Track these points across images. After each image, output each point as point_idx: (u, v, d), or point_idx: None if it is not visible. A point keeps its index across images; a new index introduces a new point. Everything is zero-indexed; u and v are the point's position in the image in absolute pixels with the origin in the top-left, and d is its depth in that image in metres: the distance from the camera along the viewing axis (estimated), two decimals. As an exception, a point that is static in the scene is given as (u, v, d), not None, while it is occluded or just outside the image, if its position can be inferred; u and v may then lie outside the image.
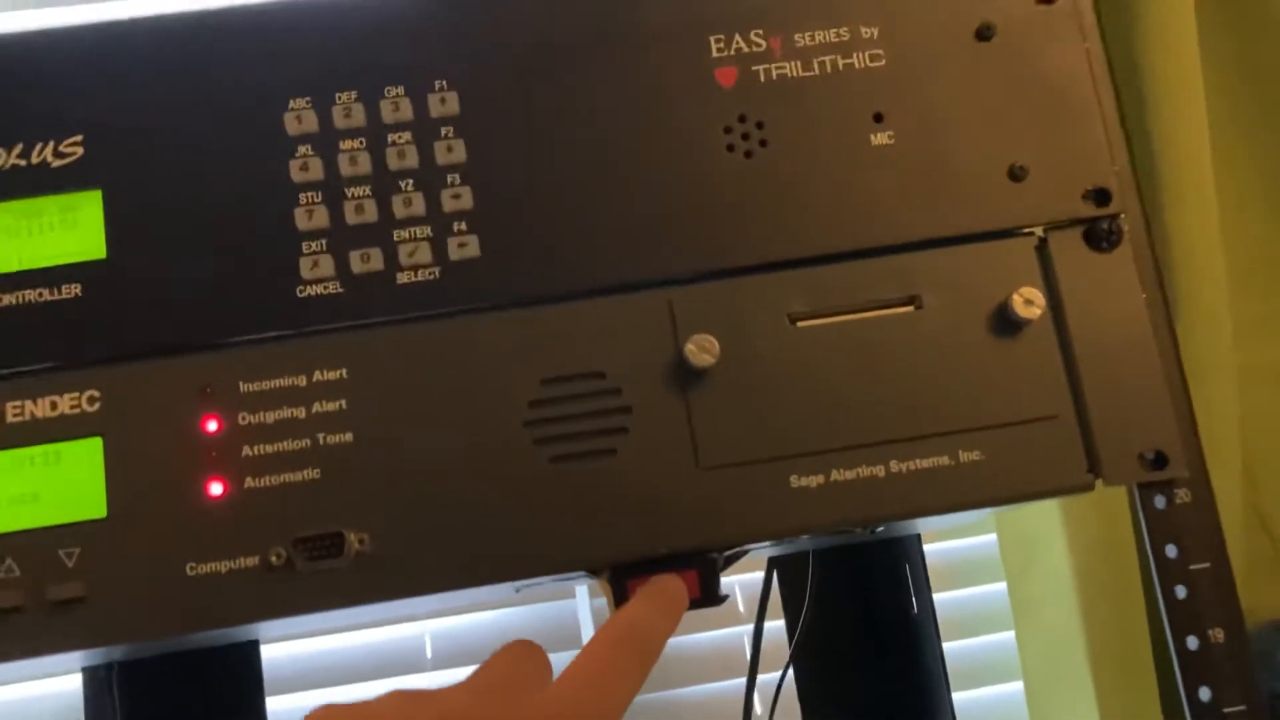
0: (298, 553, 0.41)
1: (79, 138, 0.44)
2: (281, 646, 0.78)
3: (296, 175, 0.44)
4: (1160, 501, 0.43)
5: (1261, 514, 0.86)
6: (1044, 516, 0.81)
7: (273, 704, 0.66)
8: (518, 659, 0.35)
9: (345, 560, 0.41)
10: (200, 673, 0.61)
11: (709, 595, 0.43)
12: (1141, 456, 0.43)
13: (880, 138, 0.45)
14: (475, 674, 0.34)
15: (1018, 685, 0.84)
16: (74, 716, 0.59)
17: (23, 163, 0.44)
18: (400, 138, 0.45)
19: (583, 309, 0.44)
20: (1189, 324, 0.72)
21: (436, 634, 0.81)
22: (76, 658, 0.49)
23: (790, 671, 0.67)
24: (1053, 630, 0.81)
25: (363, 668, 0.79)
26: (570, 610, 0.83)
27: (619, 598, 0.43)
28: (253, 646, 0.63)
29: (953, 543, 0.90)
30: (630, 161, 0.45)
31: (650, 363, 0.43)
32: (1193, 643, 0.42)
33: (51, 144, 0.44)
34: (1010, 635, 0.84)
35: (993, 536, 0.87)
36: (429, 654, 0.80)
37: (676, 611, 0.40)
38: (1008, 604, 0.84)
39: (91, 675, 0.58)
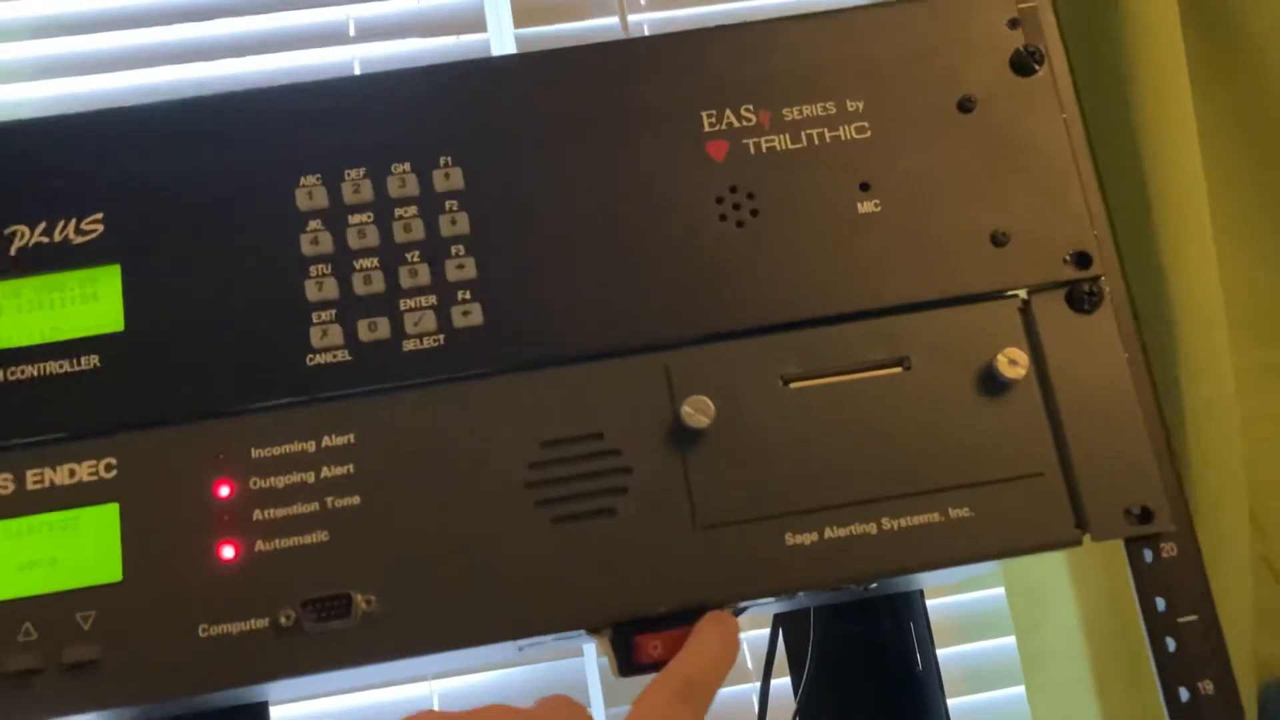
0: (306, 614, 0.42)
1: (100, 215, 0.46)
2: (291, 707, 0.79)
3: (307, 248, 0.46)
4: (1148, 555, 0.44)
5: (1271, 564, 0.86)
6: (1052, 570, 0.81)
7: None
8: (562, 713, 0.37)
9: (352, 621, 0.42)
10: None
11: (709, 652, 0.44)
12: (1128, 511, 0.44)
13: (867, 206, 0.47)
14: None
15: (1026, 738, 0.83)
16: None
17: (46, 240, 0.46)
18: (406, 211, 0.46)
19: (582, 373, 0.45)
20: (1190, 373, 0.72)
21: (444, 694, 0.81)
22: (91, 719, 0.50)
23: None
24: (1064, 685, 0.81)
25: None
26: (578, 668, 0.83)
27: (622, 655, 0.44)
28: (261, 707, 0.64)
29: (961, 596, 0.90)
30: (627, 231, 0.47)
31: (648, 424, 0.45)
32: (1184, 695, 0.42)
33: (74, 221, 0.46)
34: (1019, 690, 0.84)
35: (1000, 590, 0.87)
36: (437, 713, 0.80)
37: (730, 655, 0.41)
38: (1016, 658, 0.84)
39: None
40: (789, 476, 0.44)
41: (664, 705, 0.37)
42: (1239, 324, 0.79)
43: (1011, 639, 0.85)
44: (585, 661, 0.83)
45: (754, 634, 0.82)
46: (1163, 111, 0.71)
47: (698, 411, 0.44)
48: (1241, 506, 0.75)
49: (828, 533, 0.44)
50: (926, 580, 0.66)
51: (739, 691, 0.84)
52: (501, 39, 0.89)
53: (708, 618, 0.42)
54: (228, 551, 0.43)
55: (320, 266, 0.46)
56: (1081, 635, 0.79)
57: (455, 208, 0.46)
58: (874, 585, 0.47)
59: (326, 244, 0.46)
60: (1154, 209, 0.71)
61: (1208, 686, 0.42)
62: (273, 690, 0.53)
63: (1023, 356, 0.44)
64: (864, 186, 0.47)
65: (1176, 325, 0.70)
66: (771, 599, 0.47)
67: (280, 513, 0.43)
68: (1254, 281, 0.85)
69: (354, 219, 0.46)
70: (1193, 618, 0.43)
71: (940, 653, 0.72)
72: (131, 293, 0.45)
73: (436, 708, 0.80)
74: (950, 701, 0.71)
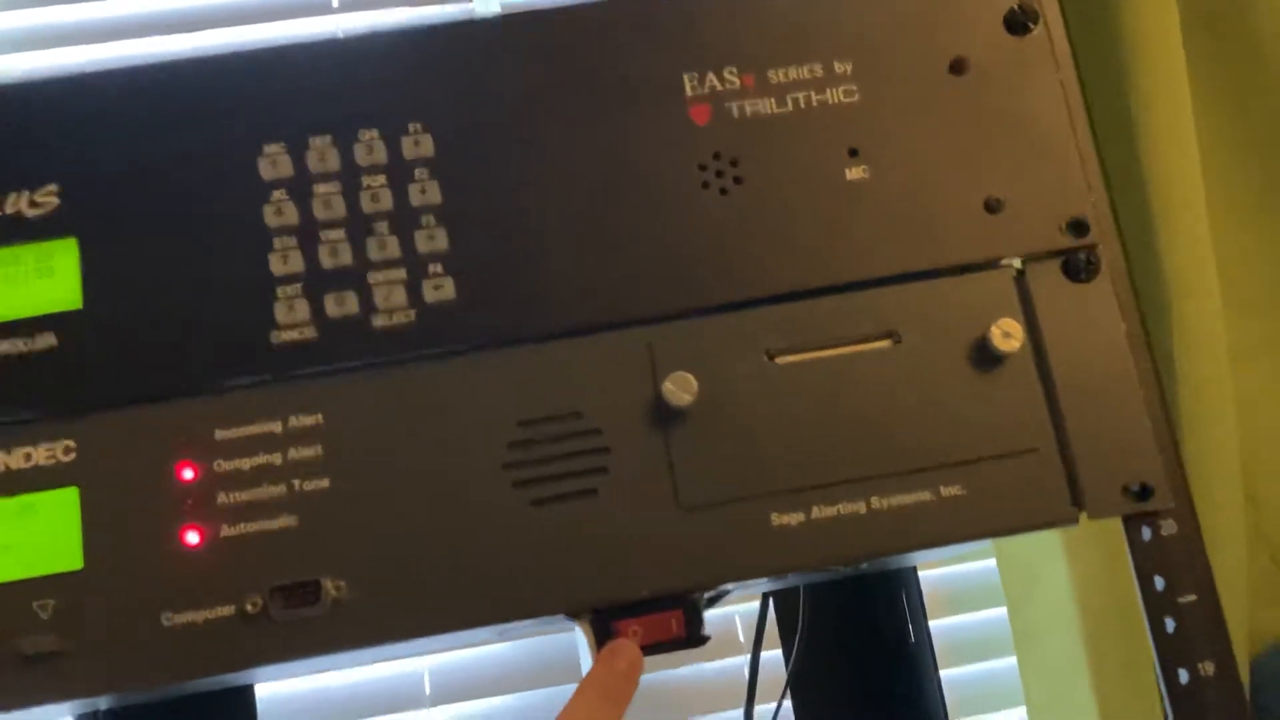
0: (274, 601, 0.41)
1: (54, 187, 0.44)
2: (277, 684, 0.77)
3: (271, 220, 0.44)
4: (1146, 533, 0.43)
5: (1264, 535, 0.85)
6: (1044, 543, 0.80)
7: (268, 745, 0.66)
8: None
9: (322, 608, 0.40)
10: (193, 715, 0.61)
11: (693, 636, 0.42)
12: (1126, 488, 0.43)
13: (855, 172, 0.45)
14: None
15: (1018, 712, 0.83)
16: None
17: (-3, 213, 0.44)
18: (374, 180, 0.45)
19: (560, 349, 0.44)
20: (1185, 347, 0.71)
21: (435, 670, 0.81)
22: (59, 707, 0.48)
23: (788, 701, 0.67)
24: (1056, 658, 0.80)
25: (361, 706, 0.79)
26: (570, 643, 0.82)
27: (602, 639, 0.42)
28: (247, 690, 0.62)
29: (952, 568, 0.89)
30: (606, 200, 0.45)
31: (629, 402, 0.43)
32: (1183, 676, 0.41)
33: (27, 194, 0.44)
34: (1010, 661, 0.84)
35: (992, 562, 0.87)
36: (427, 690, 0.80)
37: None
38: (1008, 630, 0.84)
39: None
40: (775, 455, 0.43)
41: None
42: (1233, 294, 0.78)
43: (1002, 610, 0.84)
44: (577, 636, 0.81)
45: (744, 607, 0.81)
46: (1155, 77, 0.69)
47: (680, 389, 0.42)
48: (1235, 481, 0.75)
49: (815, 513, 0.43)
50: (922, 557, 0.65)
51: (729, 665, 0.83)
52: (488, 6, 0.87)
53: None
54: (192, 537, 0.41)
55: (285, 239, 0.44)
56: (1074, 608, 0.78)
57: (426, 176, 0.45)
58: (864, 566, 0.45)
59: (291, 215, 0.44)
60: (1146, 178, 0.70)
61: (1208, 668, 0.41)
62: (247, 675, 0.51)
63: (1017, 328, 0.43)
64: (852, 152, 0.46)
65: (1169, 298, 0.69)
66: (757, 581, 0.46)
67: (246, 496, 0.42)
68: (1247, 250, 0.84)
69: (319, 189, 0.44)
70: (1192, 597, 0.41)
71: (931, 624, 0.71)
72: (89, 268, 0.43)
73: (428, 686, 0.80)
74: (941, 673, 0.70)
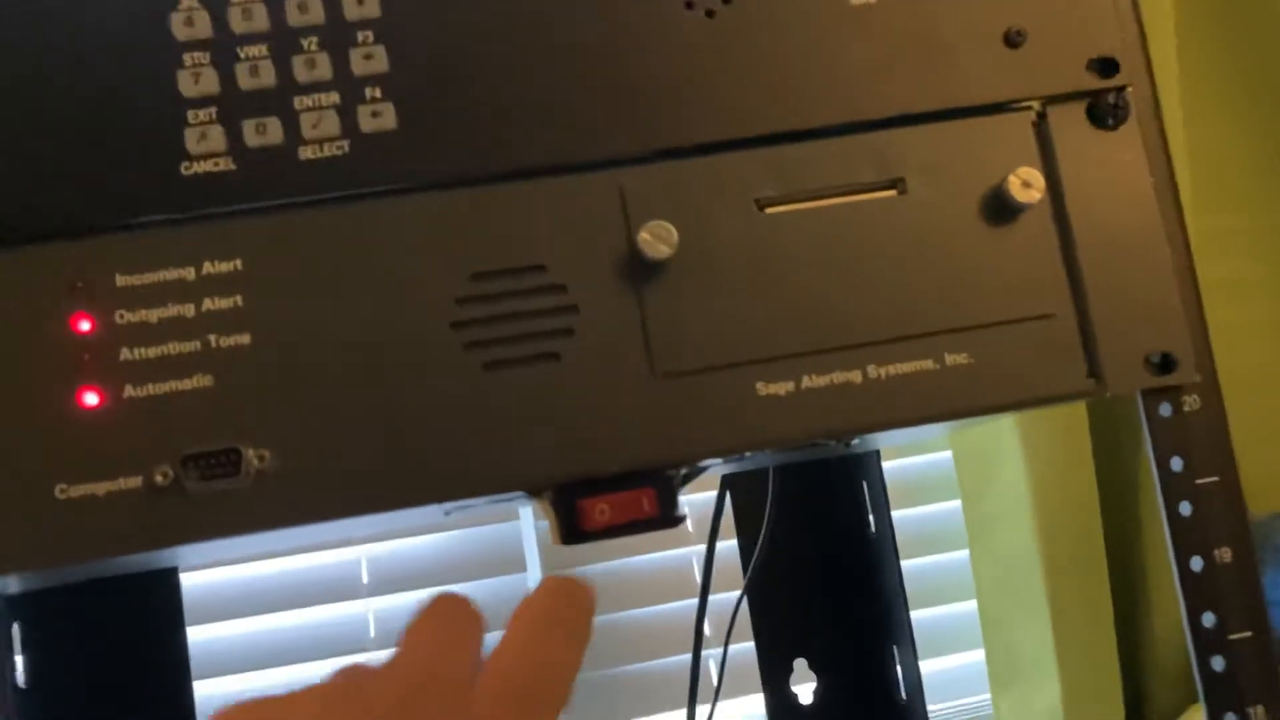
0: (187, 472, 0.35)
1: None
2: (205, 573, 0.75)
3: (180, 32, 0.38)
4: (1166, 409, 0.39)
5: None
6: (1001, 433, 0.79)
7: (196, 634, 0.62)
8: (444, 631, 0.29)
9: (243, 480, 0.36)
10: (111, 602, 0.57)
11: (666, 516, 0.39)
12: (1147, 359, 0.39)
13: (862, -4, 0.40)
14: (397, 659, 0.28)
15: (973, 604, 0.82)
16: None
17: None
18: (302, -12, 0.38)
19: (519, 192, 0.39)
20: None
21: (373, 559, 0.78)
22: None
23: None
24: (1008, 550, 0.80)
25: (294, 595, 0.76)
26: (514, 533, 0.79)
27: (565, 520, 0.38)
28: (171, 573, 0.58)
29: (908, 460, 0.88)
30: (574, 19, 0.39)
31: (598, 255, 0.39)
32: (1197, 564, 0.38)
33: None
34: (963, 554, 0.82)
35: (949, 453, 0.85)
36: (365, 579, 0.77)
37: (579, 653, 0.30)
38: (962, 522, 0.82)
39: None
40: (762, 317, 0.39)
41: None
42: (1201, 187, 0.76)
43: (959, 502, 0.82)
44: (522, 525, 0.79)
45: (699, 496, 0.77)
46: None
47: (657, 239, 0.38)
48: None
49: (805, 382, 0.38)
50: (893, 439, 0.62)
51: (680, 555, 0.81)
52: None
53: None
54: (90, 398, 0.36)
55: (196, 54, 0.38)
56: (1029, 500, 0.77)
57: (363, -16, 0.38)
58: (855, 442, 0.41)
59: (204, 27, 0.38)
60: None
61: (1225, 554, 0.38)
62: (178, 556, 0.47)
63: (1038, 177, 0.38)
64: (859, -28, 0.40)
65: None
66: (736, 457, 0.41)
67: (153, 352, 0.36)
68: (1213, 144, 0.82)
69: (237, -5, 0.38)
70: (1213, 479, 0.38)
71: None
72: (-34, 84, 0.37)
73: (365, 576, 0.76)
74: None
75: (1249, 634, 0.37)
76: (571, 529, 0.38)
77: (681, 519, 0.39)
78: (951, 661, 0.85)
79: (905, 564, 0.79)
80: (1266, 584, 0.75)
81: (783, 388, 0.38)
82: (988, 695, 0.81)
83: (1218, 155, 0.85)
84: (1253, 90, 0.87)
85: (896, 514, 0.82)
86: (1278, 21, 0.84)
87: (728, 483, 0.66)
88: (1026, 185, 0.38)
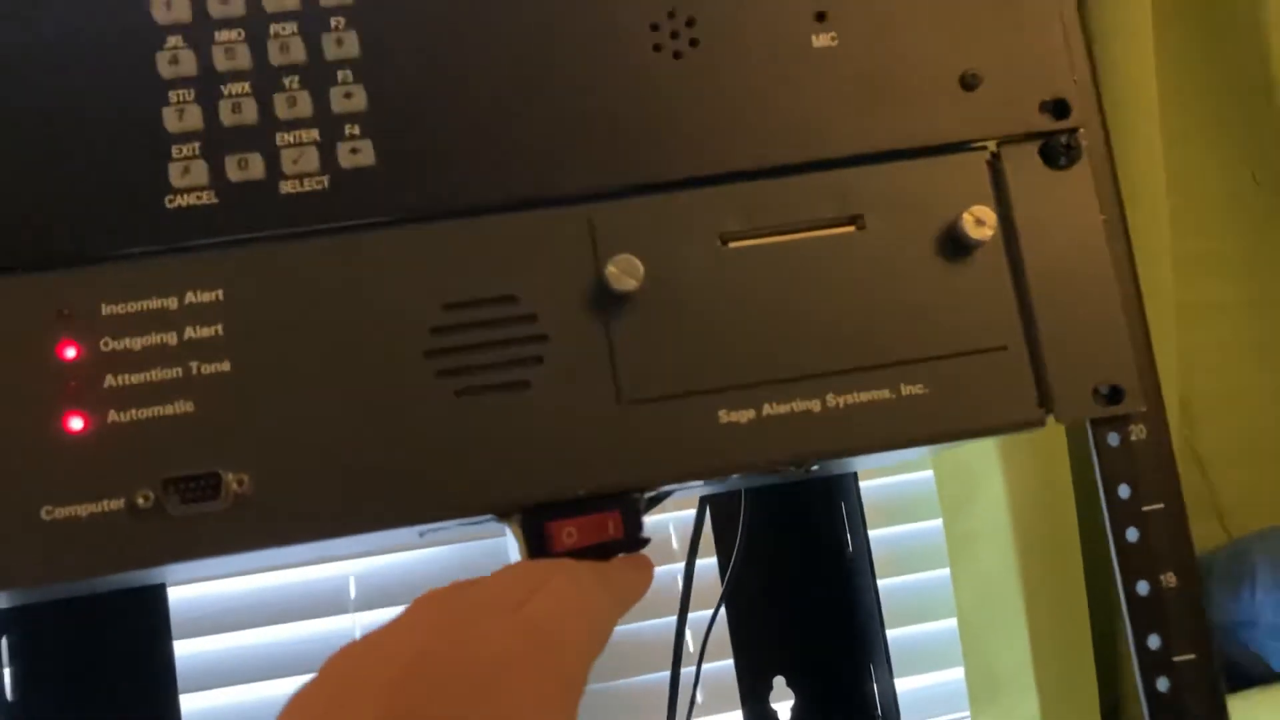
0: (168, 495, 0.37)
1: (-85, 25, 0.38)
2: (193, 587, 0.75)
3: (165, 70, 0.39)
4: (1114, 439, 0.40)
5: (1195, 450, 0.86)
6: (981, 453, 0.79)
7: (183, 648, 0.63)
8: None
9: (222, 503, 0.37)
10: (99, 616, 0.57)
11: (631, 538, 0.40)
12: (1096, 390, 0.41)
13: (822, 39, 0.41)
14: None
15: (953, 622, 0.83)
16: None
17: None
18: (284, 29, 0.40)
19: (492, 225, 0.40)
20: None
21: (361, 574, 0.79)
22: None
23: (723, 610, 0.65)
24: (988, 568, 0.80)
25: (282, 610, 0.77)
26: (500, 549, 0.80)
27: (533, 542, 0.39)
28: (159, 589, 0.59)
29: (890, 479, 0.89)
30: (546, 60, 0.41)
31: (567, 286, 0.40)
32: (1143, 588, 0.39)
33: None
34: (945, 573, 0.83)
35: (929, 474, 0.86)
36: (352, 594, 0.78)
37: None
38: (943, 541, 0.83)
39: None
40: (724, 347, 0.40)
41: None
42: (1179, 211, 0.77)
43: (939, 521, 0.83)
44: (507, 541, 0.79)
45: (680, 514, 0.79)
46: None
47: (624, 272, 0.39)
48: (1172, 394, 0.74)
49: (766, 410, 0.40)
50: (867, 462, 0.63)
51: (663, 572, 0.81)
52: None
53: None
54: (75, 423, 0.37)
55: (181, 91, 0.39)
56: (1009, 520, 0.78)
57: (342, 25, 0.40)
58: (815, 467, 0.42)
59: (189, 64, 0.39)
60: (1103, 84, 0.69)
61: (1170, 579, 0.39)
62: (165, 573, 0.48)
63: (991, 215, 0.40)
64: (819, 16, 0.42)
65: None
66: (700, 482, 0.43)
67: (137, 378, 0.38)
68: (1191, 168, 0.83)
69: (221, 35, 0.39)
70: (1159, 506, 0.39)
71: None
72: (-43, 119, 0.38)
73: (353, 591, 0.77)
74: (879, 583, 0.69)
75: (1192, 656, 0.38)
76: (540, 551, 0.39)
77: (646, 542, 0.40)
78: (934, 678, 0.86)
79: (889, 582, 0.80)
80: (1241, 604, 0.76)
81: (744, 415, 0.40)
82: (968, 712, 0.82)
83: (1197, 180, 0.86)
84: (1230, 116, 0.88)
85: (880, 532, 0.83)
86: (1255, 49, 0.85)
87: (707, 501, 0.67)
88: (980, 223, 0.40)
